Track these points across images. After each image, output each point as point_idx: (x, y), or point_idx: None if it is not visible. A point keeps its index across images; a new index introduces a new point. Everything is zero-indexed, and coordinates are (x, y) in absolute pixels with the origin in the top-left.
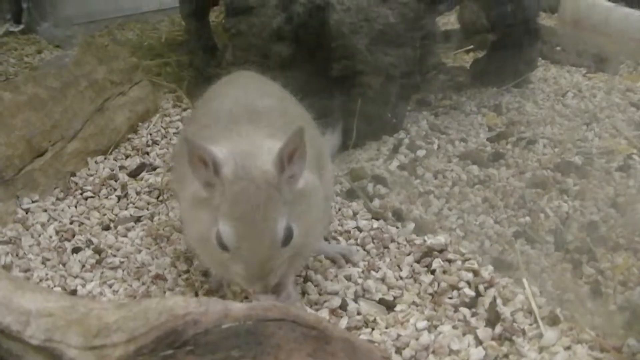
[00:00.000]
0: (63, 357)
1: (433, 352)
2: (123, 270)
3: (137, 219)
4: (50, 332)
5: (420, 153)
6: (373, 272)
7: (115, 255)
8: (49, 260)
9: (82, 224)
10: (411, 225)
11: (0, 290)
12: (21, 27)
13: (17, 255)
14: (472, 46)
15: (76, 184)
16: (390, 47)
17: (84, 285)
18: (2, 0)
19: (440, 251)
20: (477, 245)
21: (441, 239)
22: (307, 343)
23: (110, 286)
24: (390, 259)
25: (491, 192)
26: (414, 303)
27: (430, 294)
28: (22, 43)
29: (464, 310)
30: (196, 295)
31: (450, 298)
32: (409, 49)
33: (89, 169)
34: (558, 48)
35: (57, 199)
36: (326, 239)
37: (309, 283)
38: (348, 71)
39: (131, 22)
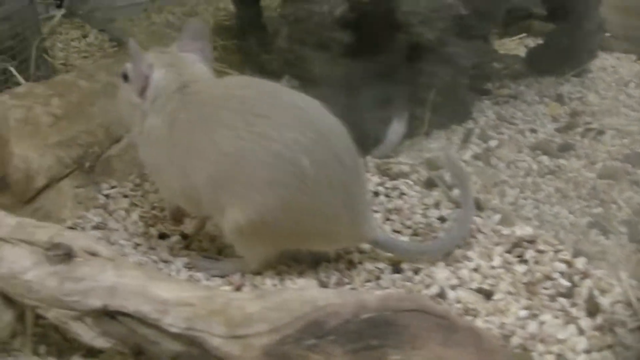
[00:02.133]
0: (205, 345)
1: (541, 340)
2: None
3: None
4: (192, 321)
5: (492, 143)
6: (466, 262)
7: (201, 241)
8: (139, 245)
9: (164, 209)
10: (497, 217)
11: (135, 279)
12: (63, 11)
13: (109, 241)
14: (525, 34)
15: None
16: (461, 39)
17: (178, 272)
18: None
19: (531, 242)
20: (552, 235)
21: (529, 229)
22: (439, 332)
23: None
24: (480, 249)
25: (563, 183)
26: (509, 292)
27: (524, 284)
28: (66, 27)
29: (562, 300)
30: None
31: (546, 288)
32: (480, 41)
33: None
34: (607, 34)
35: (136, 185)
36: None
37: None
38: (415, 61)
39: (169, 5)
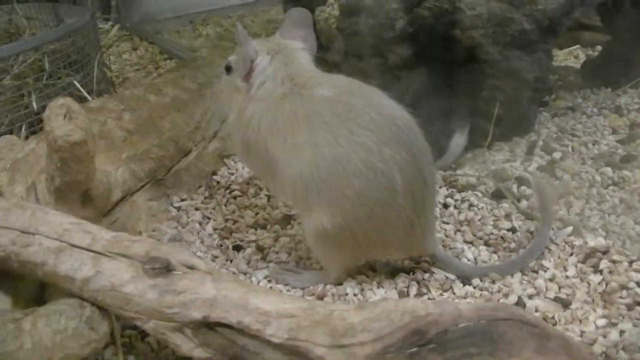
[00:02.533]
0: (309, 355)
1: (623, 348)
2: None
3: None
4: (295, 332)
5: (557, 155)
6: (541, 272)
7: (277, 252)
8: (217, 257)
9: (236, 222)
10: (569, 228)
11: (234, 292)
12: (110, 23)
13: None
14: (577, 45)
15: (218, 182)
16: (524, 53)
17: (258, 283)
18: None
19: (604, 252)
20: (619, 245)
21: (602, 240)
22: (532, 340)
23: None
24: (554, 260)
25: (627, 194)
26: (585, 301)
27: (600, 293)
28: (116, 40)
29: None
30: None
31: (622, 297)
32: (542, 54)
33: (228, 168)
34: None
35: (205, 197)
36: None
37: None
38: (477, 74)
39: (214, 16)
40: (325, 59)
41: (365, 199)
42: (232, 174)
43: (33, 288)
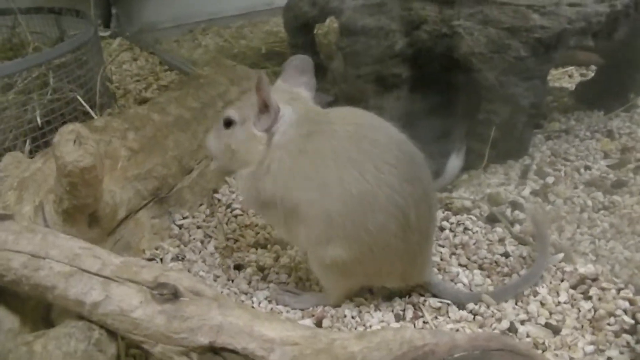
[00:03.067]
0: None
1: None
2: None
3: None
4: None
5: (550, 180)
6: (532, 298)
7: (277, 273)
8: (218, 277)
9: (237, 241)
10: (560, 255)
11: (239, 319)
12: (109, 32)
13: (189, 272)
14: (571, 67)
15: (219, 200)
16: (520, 79)
17: (259, 304)
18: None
19: (594, 279)
20: (608, 269)
21: (591, 267)
22: None
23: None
24: (547, 285)
25: (617, 219)
26: (575, 328)
27: (588, 320)
28: (116, 49)
29: (627, 337)
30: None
31: (610, 324)
32: (538, 81)
33: (229, 186)
34: None
35: (207, 215)
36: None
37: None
38: (473, 98)
39: (213, 26)
40: (325, 75)
41: (385, 233)
42: (233, 192)
43: (41, 308)
